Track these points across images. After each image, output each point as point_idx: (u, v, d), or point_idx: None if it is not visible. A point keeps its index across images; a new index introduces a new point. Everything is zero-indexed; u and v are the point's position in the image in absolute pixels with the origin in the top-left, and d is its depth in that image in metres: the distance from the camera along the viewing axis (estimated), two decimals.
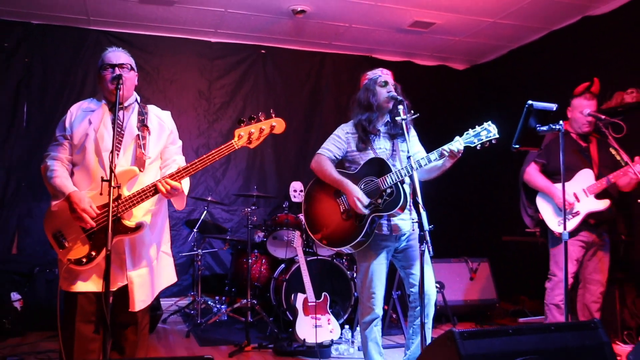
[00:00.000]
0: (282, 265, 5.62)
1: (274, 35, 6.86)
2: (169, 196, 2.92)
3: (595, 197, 4.21)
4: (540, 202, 4.33)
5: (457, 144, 3.33)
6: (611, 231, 4.43)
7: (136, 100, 3.16)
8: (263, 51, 7.17)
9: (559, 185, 3.87)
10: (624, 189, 4.25)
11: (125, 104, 3.09)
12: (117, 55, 3.06)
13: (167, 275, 3.25)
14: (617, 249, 4.65)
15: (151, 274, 3.09)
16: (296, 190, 6.30)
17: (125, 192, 2.89)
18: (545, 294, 4.37)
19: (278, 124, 3.02)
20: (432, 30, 6.57)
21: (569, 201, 4.19)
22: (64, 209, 2.88)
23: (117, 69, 2.99)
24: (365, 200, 3.48)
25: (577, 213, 4.21)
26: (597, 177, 4.24)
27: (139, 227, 2.91)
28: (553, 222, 4.24)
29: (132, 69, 3.09)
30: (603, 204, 4.19)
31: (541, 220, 4.32)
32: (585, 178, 4.26)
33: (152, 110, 3.19)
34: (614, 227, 4.43)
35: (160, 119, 3.18)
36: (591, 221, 4.25)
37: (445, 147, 3.34)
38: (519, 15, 6.05)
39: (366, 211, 3.46)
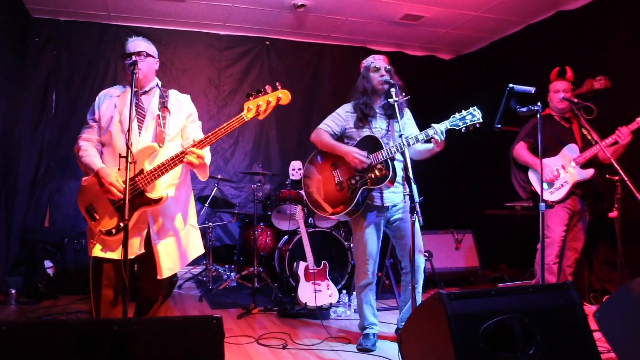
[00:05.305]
0: (286, 237, 5.61)
1: (277, 27, 6.76)
2: (195, 165, 2.85)
3: (581, 167, 4.20)
4: (532, 176, 4.31)
5: (433, 130, 3.27)
6: (592, 205, 4.40)
7: (157, 85, 3.12)
8: (267, 42, 7.08)
9: (543, 160, 3.86)
10: (604, 161, 4.21)
11: (147, 88, 3.06)
12: (135, 44, 3.02)
13: (196, 247, 3.19)
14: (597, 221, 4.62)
15: (178, 244, 3.04)
16: (294, 169, 6.23)
17: (147, 167, 2.84)
18: (537, 254, 4.35)
19: (284, 96, 2.93)
20: (421, 23, 6.47)
21: (554, 173, 4.20)
22: (93, 184, 2.86)
23: (133, 56, 2.93)
24: (363, 152, 3.44)
25: (565, 183, 4.21)
26: (581, 151, 4.22)
27: (160, 199, 2.87)
28: (544, 191, 4.22)
29: (149, 55, 3.04)
30: (588, 173, 4.18)
31: (533, 192, 4.30)
32: (571, 151, 4.25)
33: (173, 94, 3.14)
34: (597, 201, 4.41)
35: (180, 101, 3.14)
36: (578, 192, 4.24)
37: (429, 130, 3.29)
38: (499, 9, 5.96)
39: (369, 160, 3.43)
